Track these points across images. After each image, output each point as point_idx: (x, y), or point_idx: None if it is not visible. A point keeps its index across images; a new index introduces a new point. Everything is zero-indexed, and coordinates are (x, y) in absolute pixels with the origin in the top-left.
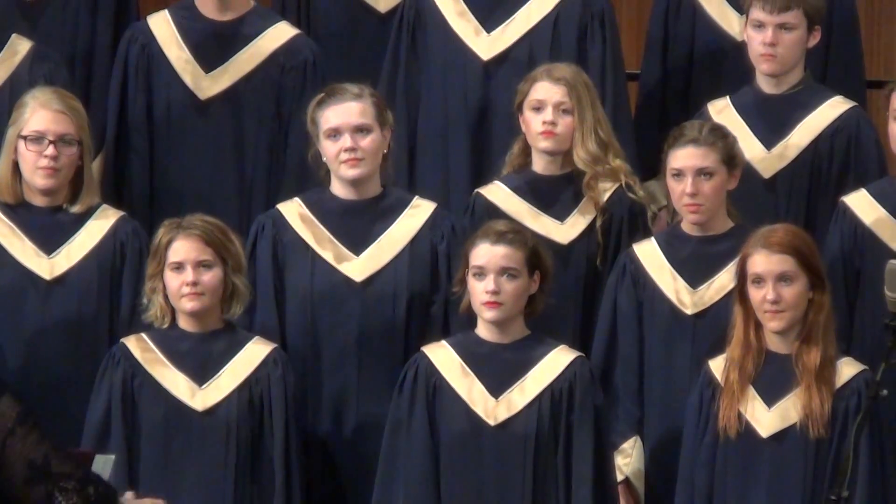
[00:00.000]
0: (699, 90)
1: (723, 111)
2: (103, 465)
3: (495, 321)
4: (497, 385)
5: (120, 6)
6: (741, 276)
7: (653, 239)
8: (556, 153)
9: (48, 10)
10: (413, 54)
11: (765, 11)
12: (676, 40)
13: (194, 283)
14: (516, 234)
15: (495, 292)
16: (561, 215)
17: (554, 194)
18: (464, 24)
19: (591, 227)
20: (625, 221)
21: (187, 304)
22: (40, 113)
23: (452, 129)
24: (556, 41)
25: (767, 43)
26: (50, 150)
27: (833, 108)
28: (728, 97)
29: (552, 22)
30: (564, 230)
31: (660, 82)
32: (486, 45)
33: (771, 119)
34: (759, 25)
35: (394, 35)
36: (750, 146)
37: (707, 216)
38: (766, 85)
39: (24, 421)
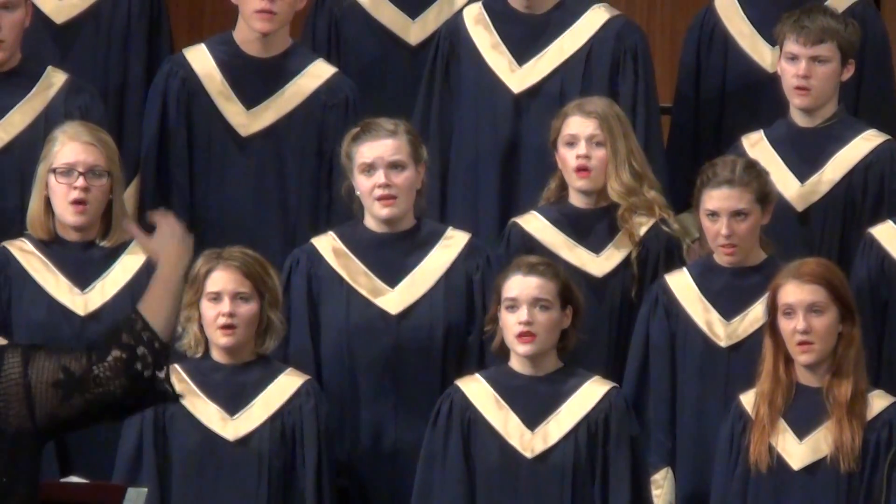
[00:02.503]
0: (732, 123)
1: (757, 144)
2: (136, 498)
3: (529, 355)
4: (532, 417)
5: (152, 36)
6: (772, 307)
7: (685, 270)
8: (593, 191)
9: (79, 40)
10: (447, 86)
11: (798, 44)
12: (709, 73)
13: (230, 315)
14: (548, 266)
15: (528, 323)
16: (596, 248)
17: (590, 227)
18: (497, 57)
19: (626, 260)
20: (661, 256)
21: (221, 339)
22: (69, 145)
23: (483, 161)
24: (587, 75)
25: (801, 75)
26: (80, 182)
27: (866, 142)
28: (762, 130)
29: (584, 56)
30: (600, 262)
31: (692, 115)
32: (518, 78)
33: (805, 152)
34: (793, 58)
35: (428, 66)
36: (784, 179)
37: (742, 256)
38: (800, 118)
39: (29, 363)
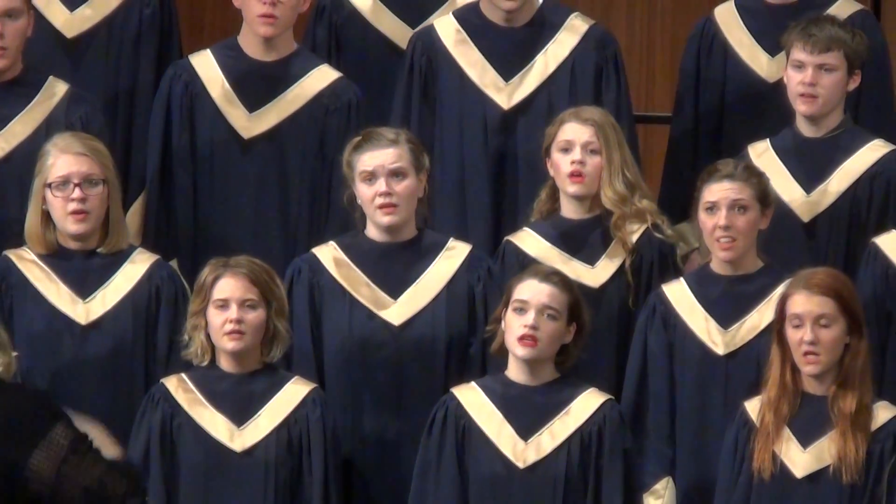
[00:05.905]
0: (731, 132)
1: (763, 154)
2: None
3: (527, 359)
4: (526, 427)
5: (162, 46)
6: (780, 316)
7: (682, 279)
8: (585, 197)
9: (91, 50)
10: (425, 101)
11: (805, 51)
12: (708, 83)
13: (238, 321)
14: (563, 279)
15: (534, 328)
16: (591, 259)
17: (583, 238)
18: (480, 74)
19: (620, 270)
20: (655, 262)
21: (228, 344)
22: (62, 158)
23: (471, 179)
24: (573, 86)
25: (807, 83)
26: (77, 193)
27: (872, 152)
28: (768, 140)
29: (569, 68)
30: (595, 273)
31: (692, 124)
32: (506, 94)
33: (810, 162)
34: (800, 66)
35: (404, 81)
36: (789, 189)
37: (738, 254)
38: (805, 128)
39: (77, 448)
